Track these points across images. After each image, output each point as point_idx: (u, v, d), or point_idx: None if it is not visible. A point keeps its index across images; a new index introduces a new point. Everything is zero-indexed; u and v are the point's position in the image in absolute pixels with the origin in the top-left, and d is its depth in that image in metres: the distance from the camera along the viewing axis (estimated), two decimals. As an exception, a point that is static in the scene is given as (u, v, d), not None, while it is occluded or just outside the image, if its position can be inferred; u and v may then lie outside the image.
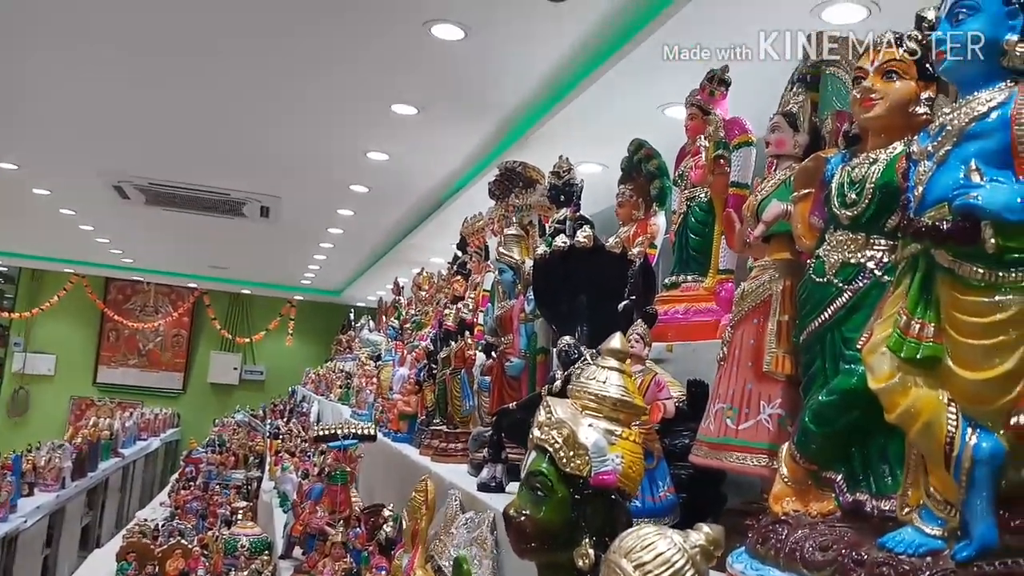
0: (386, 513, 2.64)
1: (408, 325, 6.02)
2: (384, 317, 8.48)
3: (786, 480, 1.21)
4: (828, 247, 1.24)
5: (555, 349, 2.20)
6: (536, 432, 0.94)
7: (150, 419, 12.95)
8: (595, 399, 0.97)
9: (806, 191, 1.38)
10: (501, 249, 3.02)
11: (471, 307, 3.75)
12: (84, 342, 16.25)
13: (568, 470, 0.90)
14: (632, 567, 0.76)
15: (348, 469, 3.03)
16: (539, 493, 0.90)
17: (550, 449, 0.91)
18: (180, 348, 16.73)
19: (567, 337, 2.07)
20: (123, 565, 4.87)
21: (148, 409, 13.71)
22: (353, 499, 3.16)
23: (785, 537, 1.09)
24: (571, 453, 0.90)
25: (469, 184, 6.13)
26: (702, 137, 2.53)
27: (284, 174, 7.08)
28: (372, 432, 3.14)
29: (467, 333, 3.41)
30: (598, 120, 4.30)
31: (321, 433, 3.08)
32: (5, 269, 16.78)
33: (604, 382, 0.98)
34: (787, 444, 1.23)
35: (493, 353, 2.96)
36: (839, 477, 1.15)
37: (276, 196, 8.01)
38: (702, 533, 0.79)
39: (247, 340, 16.76)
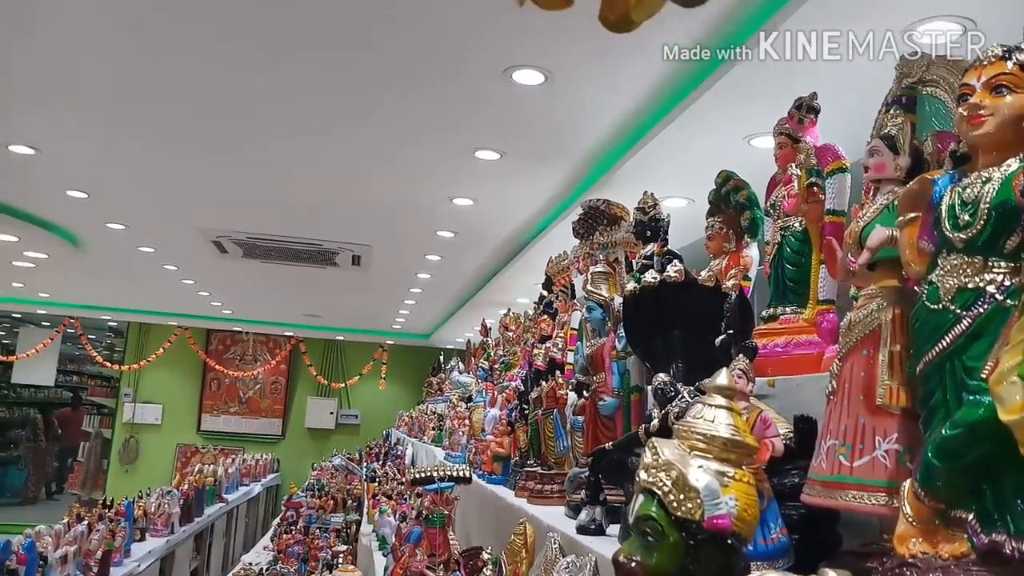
0: (485, 556, 2.62)
1: (497, 366, 6.05)
2: (473, 359, 8.55)
3: (911, 520, 1.13)
4: (942, 272, 1.18)
5: (650, 387, 2.15)
6: (643, 475, 0.91)
7: (251, 465, 13.31)
8: (704, 439, 0.93)
9: (913, 215, 1.32)
10: (589, 287, 3.01)
11: (560, 346, 3.73)
12: (188, 391, 16.94)
13: (679, 514, 0.87)
14: (755, 616, 0.73)
15: (445, 512, 3.02)
16: (650, 539, 0.87)
17: (659, 493, 0.88)
18: (278, 395, 17.24)
19: (662, 374, 2.03)
20: (230, 610, 4.99)
21: (249, 455, 14.09)
22: (451, 542, 3.15)
23: (914, 582, 1.02)
24: (682, 496, 0.87)
25: (552, 225, 6.16)
26: (793, 165, 2.47)
27: (374, 223, 7.28)
28: (467, 474, 3.13)
29: (558, 372, 3.39)
30: (682, 155, 4.26)
31: (417, 476, 3.10)
32: (116, 324, 17.76)
33: (712, 421, 0.94)
34: (909, 481, 1.16)
35: (585, 392, 2.93)
36: (970, 516, 1.07)
37: (367, 245, 8.23)
38: (827, 579, 0.75)
39: (342, 385, 17.16)
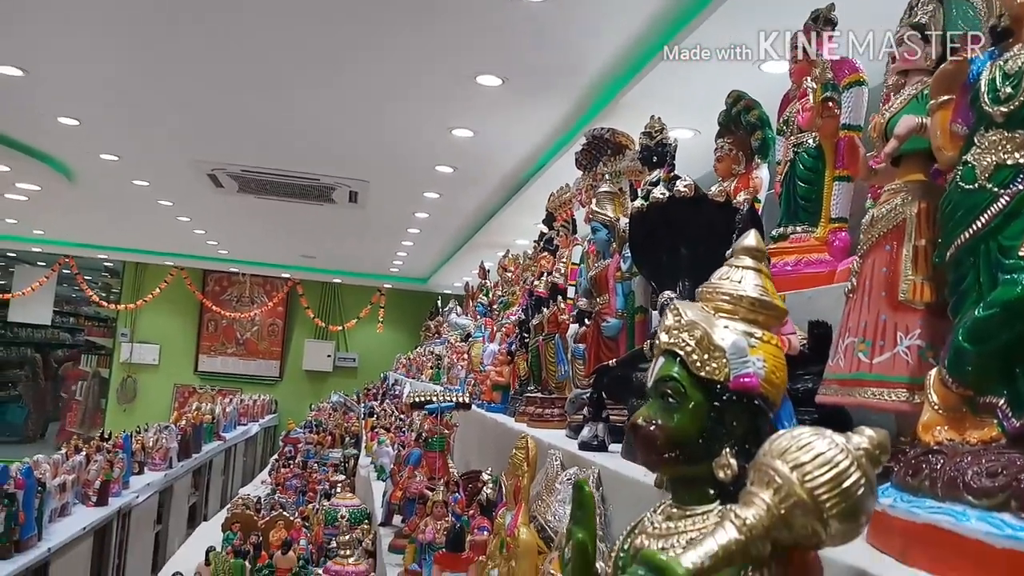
0: (485, 477, 2.60)
1: (496, 306, 6.00)
2: (471, 301, 8.50)
3: (937, 408, 1.08)
4: (979, 150, 1.10)
5: (658, 305, 2.10)
6: (664, 336, 0.86)
7: (249, 405, 13.36)
8: (730, 299, 0.87)
9: (946, 97, 1.25)
10: (595, 208, 2.93)
11: (563, 271, 3.68)
12: (185, 332, 16.94)
13: (703, 374, 0.81)
14: (788, 468, 0.67)
15: (445, 432, 3.01)
16: (670, 400, 0.82)
17: (681, 353, 0.82)
18: (276, 337, 17.25)
19: (669, 292, 1.98)
20: (228, 535, 5.02)
21: (247, 396, 14.14)
22: (450, 467, 3.14)
23: (941, 466, 0.97)
24: (705, 356, 0.81)
25: (553, 159, 6.06)
26: (808, 79, 2.37)
27: (372, 157, 7.16)
28: (467, 399, 3.11)
29: (559, 297, 3.34)
30: (689, 81, 4.15)
31: (416, 399, 3.07)
32: (111, 264, 17.67)
33: (739, 281, 0.89)
34: (936, 370, 1.11)
35: (587, 320, 2.89)
36: (1001, 401, 1.01)
37: (364, 181, 8.11)
38: (865, 436, 0.69)
39: (340, 328, 17.17)
